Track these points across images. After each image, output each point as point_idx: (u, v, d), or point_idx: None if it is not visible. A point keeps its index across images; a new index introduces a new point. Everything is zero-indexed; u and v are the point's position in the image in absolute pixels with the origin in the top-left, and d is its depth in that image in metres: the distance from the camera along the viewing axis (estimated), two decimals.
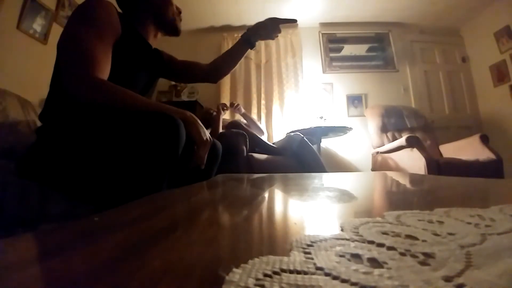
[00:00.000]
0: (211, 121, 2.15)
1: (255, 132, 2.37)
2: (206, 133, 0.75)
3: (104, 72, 0.67)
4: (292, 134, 2.03)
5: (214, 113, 2.17)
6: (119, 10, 0.81)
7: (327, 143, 3.01)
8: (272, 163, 1.85)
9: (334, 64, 3.30)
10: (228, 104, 2.30)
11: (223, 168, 1.08)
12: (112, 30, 0.71)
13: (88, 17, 0.69)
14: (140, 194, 0.60)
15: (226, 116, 2.40)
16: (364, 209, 0.41)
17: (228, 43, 3.23)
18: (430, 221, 0.24)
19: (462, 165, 2.10)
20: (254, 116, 2.90)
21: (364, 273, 0.14)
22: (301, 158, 1.86)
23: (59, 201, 0.66)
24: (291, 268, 0.14)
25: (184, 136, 0.66)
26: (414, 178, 0.91)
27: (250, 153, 1.81)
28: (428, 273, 0.14)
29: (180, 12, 0.94)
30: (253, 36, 1.00)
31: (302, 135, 1.94)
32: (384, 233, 0.21)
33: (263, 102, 3.09)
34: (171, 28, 0.92)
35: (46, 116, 0.74)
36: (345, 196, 0.52)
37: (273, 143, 2.13)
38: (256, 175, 1.17)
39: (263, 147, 1.97)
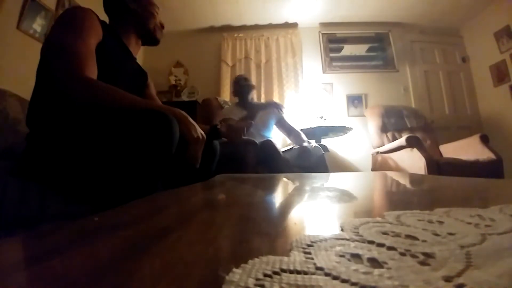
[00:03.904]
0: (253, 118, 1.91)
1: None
2: (198, 130, 0.76)
3: (93, 71, 0.69)
4: (314, 146, 1.91)
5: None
6: (101, 19, 0.83)
7: (327, 143, 3.00)
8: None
9: (334, 64, 3.30)
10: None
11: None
12: (94, 33, 0.74)
13: (69, 21, 0.72)
14: (135, 192, 0.61)
15: None
16: (364, 209, 0.41)
17: (228, 43, 3.22)
18: (430, 221, 0.24)
19: (462, 165, 2.09)
20: None
21: (364, 273, 0.14)
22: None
23: (58, 201, 0.66)
24: (291, 268, 0.14)
25: (177, 133, 0.66)
26: (414, 178, 0.91)
27: (260, 165, 1.65)
28: (428, 273, 0.14)
29: (163, 27, 1.02)
30: None
31: (323, 151, 1.86)
32: (384, 233, 0.21)
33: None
34: (150, 38, 0.99)
35: (33, 121, 0.74)
36: (345, 196, 0.52)
37: (284, 151, 1.97)
38: (255, 175, 1.16)
39: (276, 159, 1.76)
